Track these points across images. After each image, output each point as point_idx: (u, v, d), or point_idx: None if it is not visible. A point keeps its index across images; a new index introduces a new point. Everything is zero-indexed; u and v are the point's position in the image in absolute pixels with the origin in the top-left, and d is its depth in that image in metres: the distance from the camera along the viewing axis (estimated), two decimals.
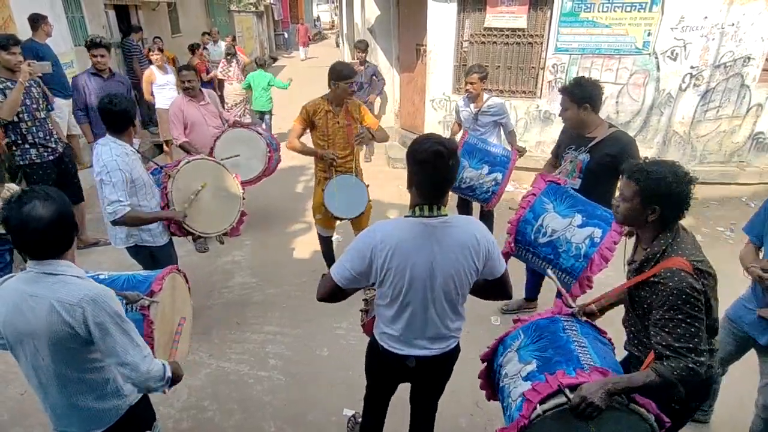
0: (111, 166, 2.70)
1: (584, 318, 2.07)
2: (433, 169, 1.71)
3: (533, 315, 2.11)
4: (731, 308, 2.55)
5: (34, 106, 4.13)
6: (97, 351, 1.63)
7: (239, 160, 4.51)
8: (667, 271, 1.71)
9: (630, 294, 1.93)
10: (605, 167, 2.91)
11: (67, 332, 1.54)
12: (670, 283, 1.69)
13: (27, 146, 4.16)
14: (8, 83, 3.97)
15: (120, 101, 2.75)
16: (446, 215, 1.79)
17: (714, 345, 1.85)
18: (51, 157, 4.30)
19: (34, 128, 4.15)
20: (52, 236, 1.53)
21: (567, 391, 1.66)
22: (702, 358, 1.67)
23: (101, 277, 2.15)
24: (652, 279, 1.77)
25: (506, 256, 2.96)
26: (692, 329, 1.67)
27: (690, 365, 1.65)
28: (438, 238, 1.77)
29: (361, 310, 2.13)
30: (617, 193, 1.91)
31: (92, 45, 4.77)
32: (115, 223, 2.79)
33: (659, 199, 1.75)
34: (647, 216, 1.79)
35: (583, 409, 1.62)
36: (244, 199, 3.61)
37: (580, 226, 2.68)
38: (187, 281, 2.49)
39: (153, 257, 3.16)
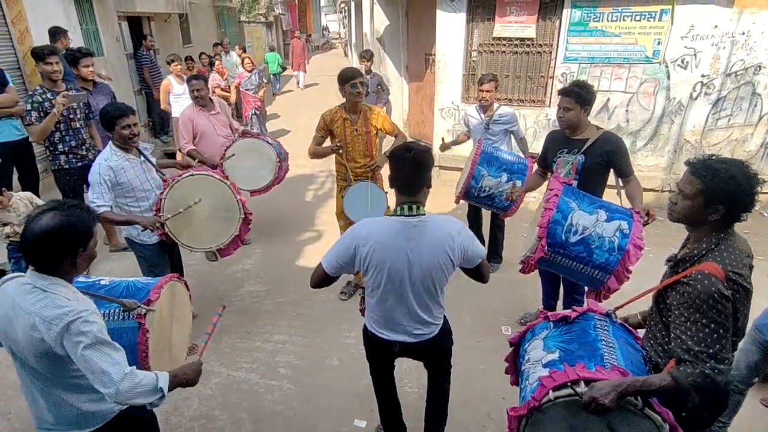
0: (95, 168, 2.97)
1: (619, 320, 2.05)
2: (401, 161, 2.01)
3: (567, 311, 2.10)
4: (760, 317, 2.52)
5: (71, 116, 4.29)
6: None
7: (248, 172, 4.53)
8: (698, 274, 1.65)
9: (658, 292, 1.89)
10: (600, 166, 3.13)
11: (45, 348, 1.56)
12: (699, 286, 1.63)
13: (57, 153, 4.33)
14: (48, 94, 4.13)
15: (104, 109, 3.02)
16: (424, 215, 2.02)
17: (732, 357, 1.78)
18: (79, 164, 4.42)
19: (67, 137, 4.31)
20: (38, 249, 1.55)
21: (582, 384, 1.67)
22: (722, 366, 1.61)
23: (102, 283, 2.19)
24: (682, 280, 1.71)
25: (537, 263, 2.88)
26: (715, 335, 1.61)
27: (707, 371, 1.60)
28: (415, 236, 1.99)
29: (360, 296, 2.35)
30: (676, 189, 1.80)
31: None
32: None
33: (724, 199, 1.66)
34: (708, 215, 1.70)
35: (593, 408, 1.62)
36: (249, 223, 3.48)
37: (607, 221, 2.69)
38: (187, 288, 2.51)
39: (141, 253, 3.29)
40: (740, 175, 1.64)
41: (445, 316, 2.32)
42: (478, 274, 2.21)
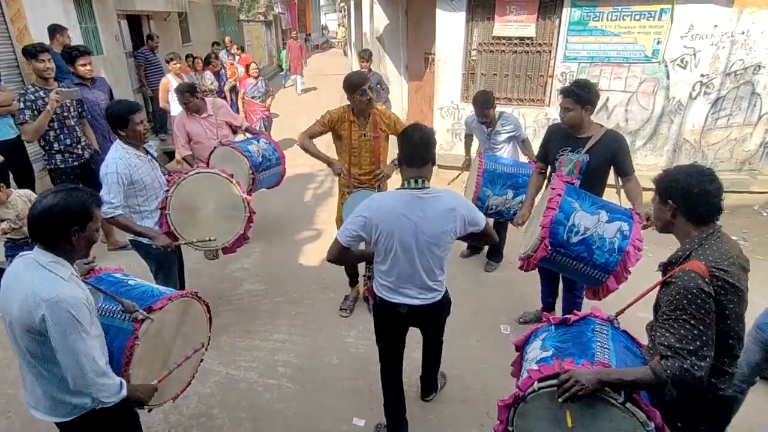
0: (110, 168, 2.88)
1: (620, 325, 2.06)
2: (410, 138, 2.24)
3: (568, 315, 2.14)
4: (761, 316, 2.53)
5: (65, 114, 4.27)
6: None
7: None
8: (680, 272, 1.70)
9: (656, 302, 1.90)
10: (603, 165, 3.12)
11: (30, 324, 1.64)
12: (679, 282, 1.67)
13: (53, 152, 4.30)
14: (40, 92, 4.10)
15: (112, 106, 2.98)
16: (429, 187, 2.23)
17: (734, 368, 1.79)
18: (75, 163, 4.42)
19: (62, 135, 4.29)
20: (39, 225, 1.69)
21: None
22: (702, 363, 1.61)
23: (130, 282, 2.19)
24: (668, 280, 1.75)
25: (538, 261, 2.88)
26: (695, 331, 1.62)
27: (685, 366, 1.60)
28: (421, 206, 2.20)
29: (365, 276, 2.53)
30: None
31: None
32: (106, 221, 2.92)
33: (670, 195, 1.82)
34: (668, 213, 1.84)
35: (569, 387, 1.66)
36: (252, 221, 3.45)
37: (608, 222, 2.71)
38: (209, 311, 2.41)
39: (149, 254, 3.22)
40: (680, 175, 1.81)
41: (446, 291, 2.53)
42: (486, 235, 2.43)
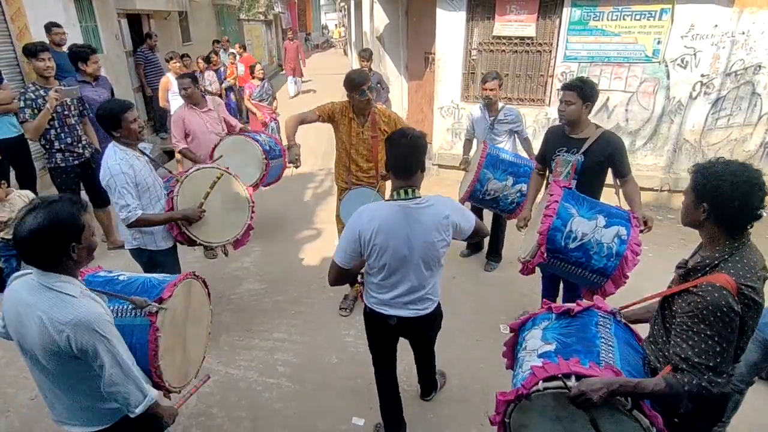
0: (114, 170, 2.77)
1: (622, 320, 2.05)
2: (397, 146, 2.11)
3: (571, 304, 2.10)
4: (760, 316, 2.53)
5: (66, 112, 4.28)
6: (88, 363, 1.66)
7: (236, 168, 4.49)
8: (708, 285, 1.61)
9: (664, 297, 1.85)
10: (600, 166, 3.10)
11: (54, 348, 1.58)
12: (708, 298, 1.58)
13: (54, 150, 4.31)
14: (41, 91, 4.12)
15: (103, 107, 2.87)
16: (419, 197, 2.15)
17: (733, 369, 1.77)
18: (76, 162, 4.43)
19: (62, 134, 4.30)
20: (30, 251, 1.55)
21: (573, 379, 1.69)
22: (720, 380, 1.59)
23: (120, 278, 2.17)
24: (691, 289, 1.66)
25: (534, 266, 2.93)
26: (718, 348, 1.58)
27: (704, 383, 1.58)
28: (413, 218, 2.11)
29: (359, 282, 2.46)
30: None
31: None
32: (129, 226, 2.88)
33: (709, 197, 1.65)
34: (700, 215, 1.70)
35: (580, 402, 1.63)
36: (253, 212, 3.49)
37: (606, 227, 2.70)
38: (206, 286, 2.47)
39: (153, 261, 3.17)
40: (727, 175, 1.62)
41: (438, 302, 2.45)
42: (477, 233, 2.36)
